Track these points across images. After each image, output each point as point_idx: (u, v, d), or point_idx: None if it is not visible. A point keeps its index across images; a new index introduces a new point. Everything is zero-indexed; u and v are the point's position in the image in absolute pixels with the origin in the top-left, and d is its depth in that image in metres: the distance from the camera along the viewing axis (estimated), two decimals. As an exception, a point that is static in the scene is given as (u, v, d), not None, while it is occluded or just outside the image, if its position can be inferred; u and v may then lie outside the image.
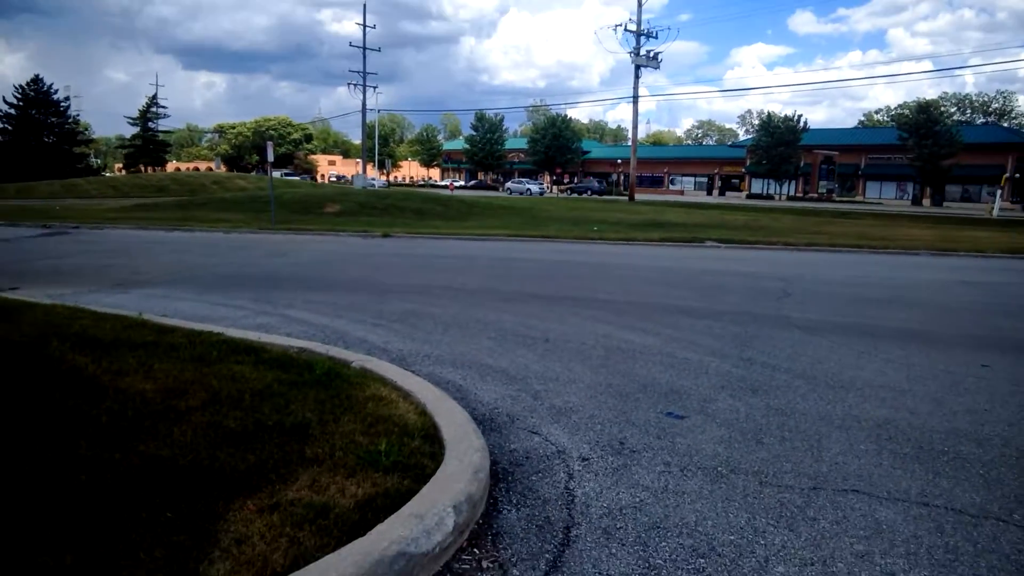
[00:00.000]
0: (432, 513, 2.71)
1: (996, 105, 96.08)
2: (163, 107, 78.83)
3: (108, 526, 2.53)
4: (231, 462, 3.10)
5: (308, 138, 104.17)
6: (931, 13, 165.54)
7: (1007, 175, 55.59)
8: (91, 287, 8.85)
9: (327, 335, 6.17)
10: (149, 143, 77.69)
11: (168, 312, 6.81)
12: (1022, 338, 6.84)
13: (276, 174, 77.79)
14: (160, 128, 79.92)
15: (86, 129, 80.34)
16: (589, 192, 64.24)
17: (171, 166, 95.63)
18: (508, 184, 68.84)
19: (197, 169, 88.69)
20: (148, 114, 77.64)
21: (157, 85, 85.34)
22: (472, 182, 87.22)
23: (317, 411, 3.74)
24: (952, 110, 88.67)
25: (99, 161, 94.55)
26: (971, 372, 5.48)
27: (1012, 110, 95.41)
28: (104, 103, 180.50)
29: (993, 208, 41.73)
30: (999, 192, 46.79)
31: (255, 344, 5.18)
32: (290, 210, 25.32)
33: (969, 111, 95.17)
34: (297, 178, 72.18)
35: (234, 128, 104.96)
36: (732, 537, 2.87)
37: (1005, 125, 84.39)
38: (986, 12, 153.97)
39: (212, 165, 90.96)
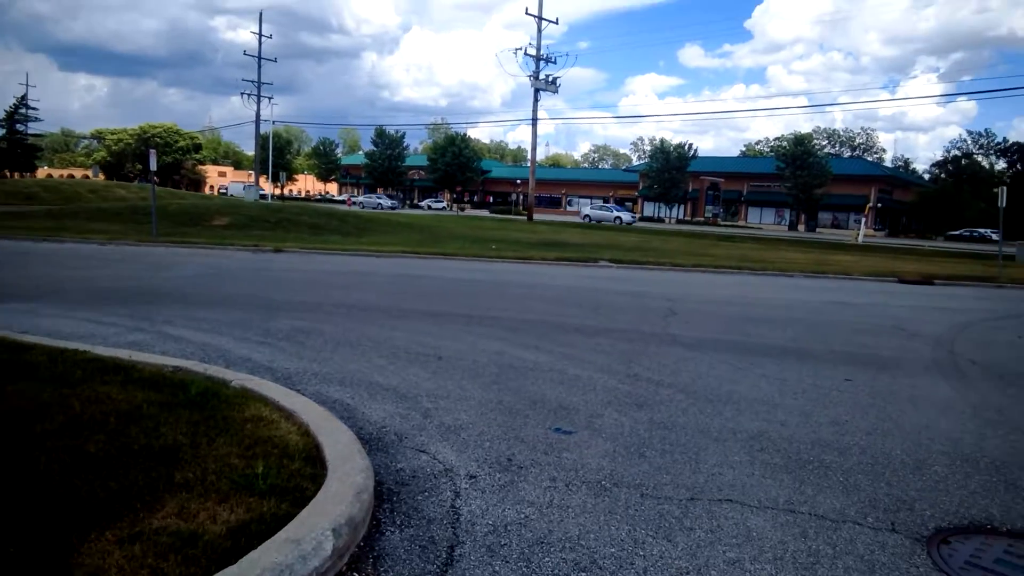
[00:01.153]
0: (310, 537, 2.61)
1: (860, 140, 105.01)
2: (34, 108, 73.09)
3: (-63, 565, 2.27)
4: (89, 489, 2.87)
5: (197, 147, 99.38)
6: (805, 53, 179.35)
7: (870, 204, 60.60)
8: (-62, 301, 8.03)
9: (207, 353, 5.87)
10: (16, 147, 71.69)
11: (29, 329, 6.27)
12: (881, 354, 7.41)
13: (238, 188, 71.43)
14: (30, 131, 73.97)
15: (-62, 129, 73.33)
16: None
17: (42, 172, 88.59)
18: (587, 211, 58.87)
19: (72, 176, 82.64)
20: (16, 115, 71.74)
21: (28, 85, 78.93)
22: (266, 193, 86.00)
23: (190, 434, 3.53)
24: (824, 143, 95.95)
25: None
26: (836, 386, 5.88)
27: (874, 145, 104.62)
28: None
29: (858, 234, 45.30)
30: (863, 220, 50.90)
31: (125, 363, 4.85)
32: (175, 222, 24.04)
33: (838, 145, 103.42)
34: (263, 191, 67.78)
35: (115, 134, 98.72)
36: (613, 549, 2.93)
37: (869, 159, 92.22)
38: (852, 56, 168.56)
39: (89, 173, 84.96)
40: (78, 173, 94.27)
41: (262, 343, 6.44)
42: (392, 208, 63.37)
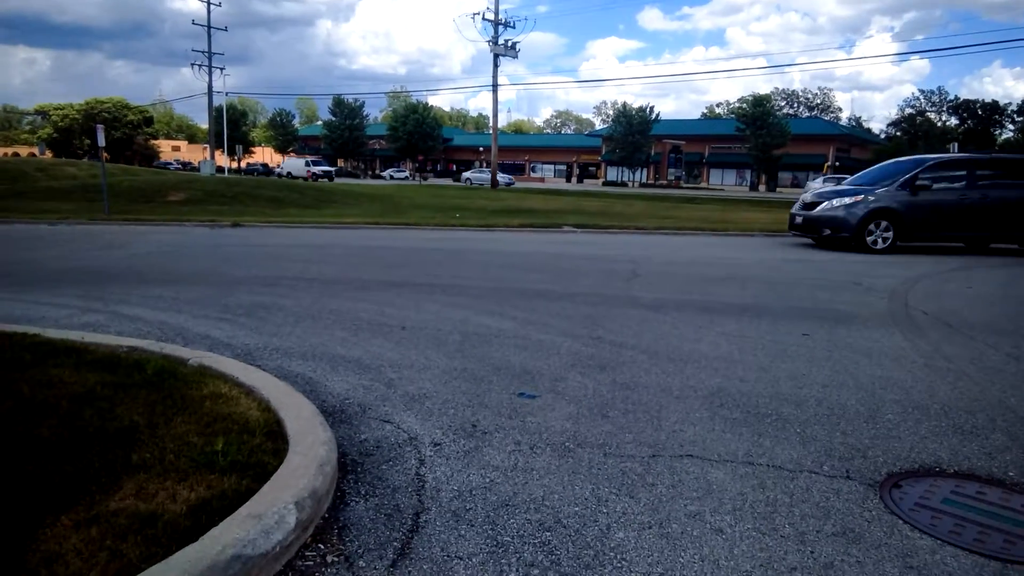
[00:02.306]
0: (272, 512, 2.59)
1: (818, 101, 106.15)
2: (-29, 84, 69.78)
3: None
4: (43, 475, 2.81)
5: (148, 121, 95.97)
6: (763, 15, 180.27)
7: (828, 163, 61.53)
8: None
9: (164, 332, 5.75)
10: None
11: (-25, 314, 6.06)
12: (837, 308, 7.58)
13: (298, 164, 58.09)
14: (-31, 108, 70.76)
15: None
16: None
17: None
18: (814, 193, 50.46)
19: (17, 155, 79.44)
20: (-48, 92, 68.48)
21: (-37, 60, 74.95)
22: (332, 169, 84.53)
23: (147, 414, 3.47)
24: (782, 104, 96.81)
25: None
26: (794, 340, 6.01)
27: (831, 105, 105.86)
28: None
29: (817, 193, 45.98)
30: (822, 178, 51.65)
31: (78, 344, 4.72)
32: (129, 199, 23.37)
33: (796, 105, 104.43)
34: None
35: (61, 110, 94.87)
36: (577, 508, 2.97)
37: (826, 118, 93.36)
38: (809, 16, 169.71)
39: (35, 150, 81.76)
40: (23, 151, 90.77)
41: (221, 319, 6.33)
42: (508, 184, 58.09)
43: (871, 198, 14.08)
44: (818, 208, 14.68)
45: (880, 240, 13.91)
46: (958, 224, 14.08)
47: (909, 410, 4.30)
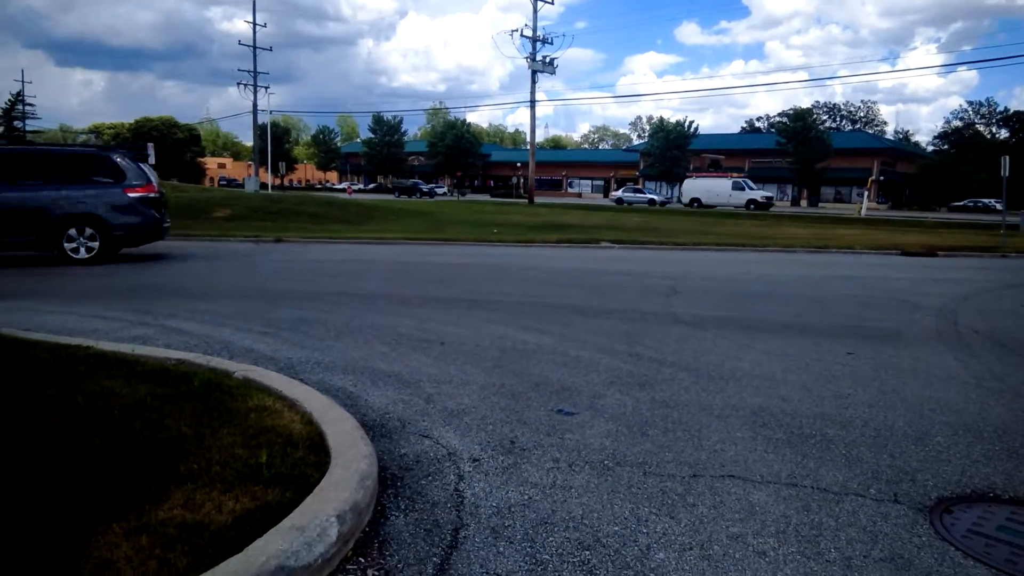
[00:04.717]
0: (315, 524, 2.63)
1: (861, 114, 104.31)
2: (31, 105, 72.93)
3: (-53, 561, 2.30)
4: (96, 483, 2.89)
5: (195, 139, 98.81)
6: (803, 28, 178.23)
7: (873, 177, 60.25)
8: (-58, 301, 8.05)
9: (210, 345, 5.89)
10: (14, 144, 71.49)
11: (32, 325, 6.29)
12: (883, 327, 7.40)
13: None
14: (28, 128, 73.88)
15: (-65, 128, 73.33)
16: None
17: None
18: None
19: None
20: (13, 112, 71.63)
21: (23, 81, 77.85)
22: (371, 185, 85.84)
23: (194, 425, 3.55)
24: (824, 117, 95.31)
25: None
26: (838, 360, 5.88)
27: (875, 118, 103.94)
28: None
29: (861, 208, 45.07)
30: (866, 193, 50.62)
31: (128, 357, 4.87)
32: (175, 215, 23.94)
33: (839, 118, 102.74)
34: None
35: (113, 128, 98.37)
36: (616, 528, 2.94)
37: (870, 132, 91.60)
38: (850, 28, 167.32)
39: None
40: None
41: (265, 333, 6.46)
42: (663, 204, 50.62)
43: None
44: None
45: None
46: None
47: (960, 432, 4.17)
